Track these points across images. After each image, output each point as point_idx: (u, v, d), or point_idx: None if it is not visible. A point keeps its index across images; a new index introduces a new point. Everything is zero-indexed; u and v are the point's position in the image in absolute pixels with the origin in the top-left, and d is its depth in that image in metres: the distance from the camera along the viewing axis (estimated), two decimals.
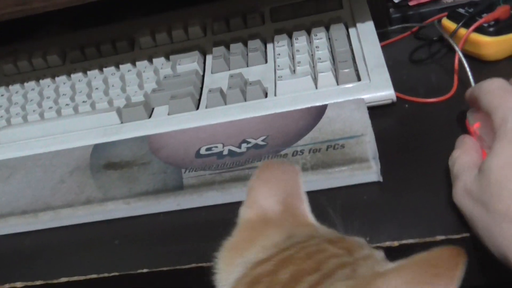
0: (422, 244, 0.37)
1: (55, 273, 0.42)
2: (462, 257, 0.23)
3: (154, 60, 0.62)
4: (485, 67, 0.52)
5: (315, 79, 0.53)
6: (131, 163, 0.50)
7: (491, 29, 0.52)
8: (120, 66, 0.62)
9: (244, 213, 0.33)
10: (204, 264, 0.40)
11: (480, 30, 0.53)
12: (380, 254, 0.29)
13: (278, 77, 0.54)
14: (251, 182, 0.33)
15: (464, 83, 0.51)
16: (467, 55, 0.52)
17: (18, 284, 0.43)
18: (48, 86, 0.63)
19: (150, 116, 0.56)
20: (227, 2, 0.68)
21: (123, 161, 0.50)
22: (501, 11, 0.53)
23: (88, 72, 0.63)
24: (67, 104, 0.59)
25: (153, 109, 0.57)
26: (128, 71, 0.61)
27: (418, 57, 0.58)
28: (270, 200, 0.32)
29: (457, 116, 0.48)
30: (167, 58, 0.62)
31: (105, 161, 0.51)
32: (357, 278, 0.25)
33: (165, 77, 0.59)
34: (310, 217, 0.33)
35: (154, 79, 0.59)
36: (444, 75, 0.54)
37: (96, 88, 0.60)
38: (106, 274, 0.41)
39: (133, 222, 0.46)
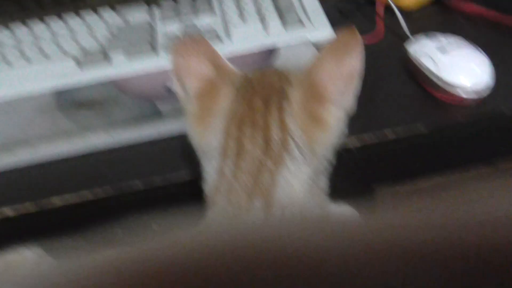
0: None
1: (45, 193, 0.43)
2: (354, 29, 0.35)
3: (102, 12, 0.63)
4: (404, 15, 0.62)
5: (265, 26, 0.59)
6: (103, 102, 0.52)
7: None
8: (67, 18, 0.63)
9: (193, 88, 0.38)
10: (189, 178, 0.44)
11: None
12: None
13: (230, 25, 0.59)
14: (175, 63, 0.38)
15: (389, 28, 0.61)
16: (388, 6, 0.61)
17: (8, 211, 0.43)
18: None
19: (108, 62, 0.58)
20: None
21: (94, 101, 0.52)
22: None
23: (32, 25, 0.62)
24: (16, 56, 0.58)
25: (110, 56, 0.58)
26: (77, 23, 0.62)
27: (346, 8, 0.66)
28: (204, 68, 0.38)
29: (384, 51, 0.57)
30: (113, 9, 0.64)
31: (74, 103, 0.52)
32: (300, 81, 0.36)
33: (117, 27, 0.61)
34: (234, 67, 0.40)
35: (106, 28, 0.61)
36: (370, 21, 0.63)
37: (44, 40, 0.60)
38: (100, 190, 0.44)
39: (116, 153, 0.48)
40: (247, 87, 0.37)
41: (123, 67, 0.56)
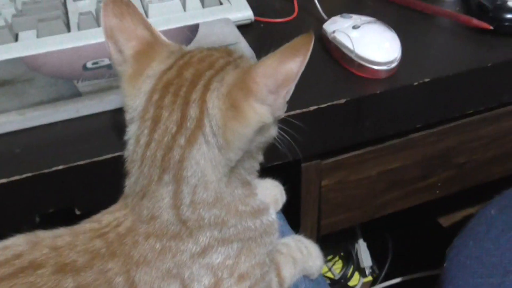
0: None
1: None
2: (311, 38, 0.34)
3: None
4: None
5: (183, 3, 0.58)
6: (12, 81, 0.48)
7: None
8: None
9: (130, 47, 0.36)
10: (118, 154, 0.42)
11: None
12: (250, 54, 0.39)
13: (148, 1, 0.58)
14: (108, 23, 0.36)
15: (302, 8, 0.63)
16: None
17: None
18: None
19: (16, 40, 0.54)
20: None
21: (1, 80, 0.48)
22: None
23: None
24: None
25: (17, 34, 0.55)
26: None
27: None
28: (140, 30, 0.37)
29: (301, 32, 0.59)
30: None
31: None
32: (241, 68, 0.35)
33: (24, 3, 0.57)
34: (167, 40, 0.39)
35: (11, 5, 0.57)
36: (285, 2, 0.65)
37: None
38: (17, 177, 0.41)
39: (30, 133, 0.45)
40: (186, 57, 0.36)
41: (33, 45, 0.53)
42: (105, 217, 0.35)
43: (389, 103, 0.52)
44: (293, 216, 0.57)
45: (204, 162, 0.34)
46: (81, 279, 0.31)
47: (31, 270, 0.31)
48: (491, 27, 0.57)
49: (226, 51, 0.37)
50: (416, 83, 0.51)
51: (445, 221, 0.98)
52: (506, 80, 0.58)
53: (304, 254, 0.45)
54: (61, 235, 0.34)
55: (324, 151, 0.54)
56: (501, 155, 0.67)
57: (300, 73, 0.34)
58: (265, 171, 0.44)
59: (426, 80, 0.52)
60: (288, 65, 0.33)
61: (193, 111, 0.33)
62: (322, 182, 0.57)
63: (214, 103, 0.33)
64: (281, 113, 0.35)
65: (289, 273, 0.43)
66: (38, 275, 0.31)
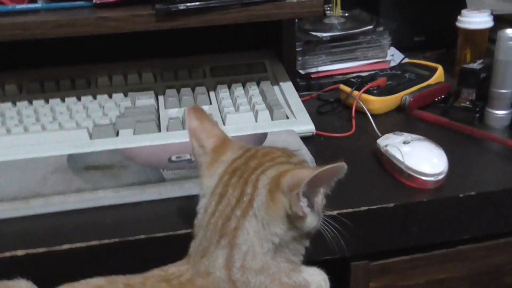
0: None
1: (58, 239, 0.48)
2: (336, 166, 0.40)
3: (114, 95, 0.72)
4: (373, 118, 0.73)
5: (255, 115, 0.69)
6: (110, 166, 0.58)
7: (375, 92, 0.74)
8: (82, 97, 0.71)
9: (210, 143, 0.46)
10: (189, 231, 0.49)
11: (368, 92, 0.74)
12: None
13: (226, 112, 0.69)
14: (192, 125, 0.47)
15: (359, 126, 0.71)
16: (357, 110, 0.73)
17: (19, 252, 0.47)
18: (9, 109, 0.68)
19: (117, 135, 0.65)
20: (173, 59, 0.82)
21: (102, 165, 0.58)
22: (380, 81, 0.76)
23: (50, 100, 0.70)
24: (33, 123, 0.65)
25: (118, 131, 0.66)
26: (90, 102, 0.70)
27: (324, 110, 0.77)
28: (217, 130, 0.48)
29: (357, 145, 0.67)
30: (125, 95, 0.73)
31: (84, 165, 0.58)
32: (292, 166, 0.43)
33: (126, 108, 0.69)
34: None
35: (116, 109, 0.69)
36: (344, 121, 0.74)
37: (61, 113, 0.68)
38: (107, 241, 0.48)
39: (121, 208, 0.54)
40: (252, 150, 0.45)
41: (129, 140, 0.64)
42: (171, 268, 0.42)
43: (435, 211, 0.56)
44: None
45: (253, 233, 0.41)
46: None
47: None
48: None
49: (286, 152, 0.46)
50: (462, 195, 0.56)
51: None
52: None
53: None
54: (133, 277, 0.41)
55: (372, 252, 0.58)
56: None
57: (306, 181, 0.39)
58: (314, 264, 0.49)
59: (472, 193, 0.56)
60: (304, 172, 0.40)
61: (249, 188, 0.42)
62: (370, 283, 0.60)
63: (264, 183, 0.42)
64: (312, 221, 0.43)
65: None
66: None
